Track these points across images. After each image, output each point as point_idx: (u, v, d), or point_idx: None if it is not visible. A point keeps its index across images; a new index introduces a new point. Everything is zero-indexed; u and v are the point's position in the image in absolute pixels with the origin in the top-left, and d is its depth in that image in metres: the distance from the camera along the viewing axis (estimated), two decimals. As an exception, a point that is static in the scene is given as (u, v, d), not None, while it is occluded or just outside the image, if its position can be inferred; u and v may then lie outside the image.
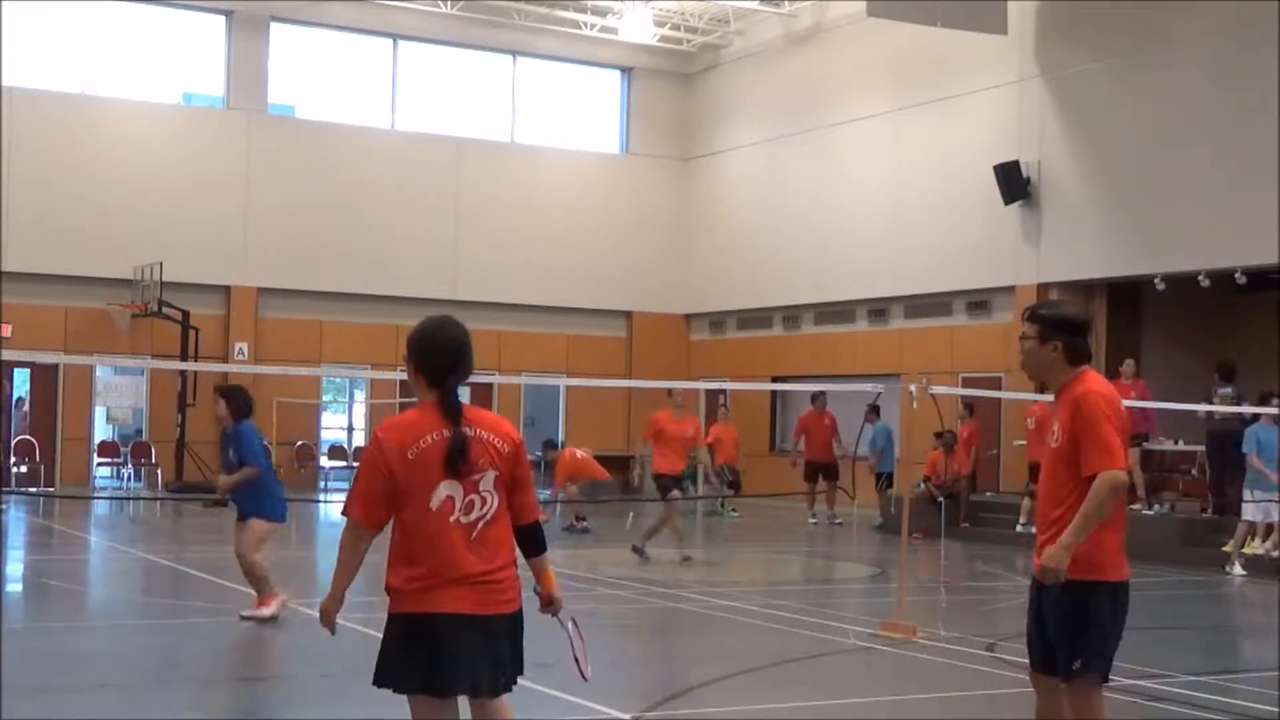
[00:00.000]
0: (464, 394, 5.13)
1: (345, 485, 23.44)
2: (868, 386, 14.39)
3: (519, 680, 4.99)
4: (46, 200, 24.98)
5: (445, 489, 4.71)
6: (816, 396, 23.02)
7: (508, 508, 4.87)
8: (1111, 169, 21.68)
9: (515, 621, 4.91)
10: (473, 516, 4.75)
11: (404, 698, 4.88)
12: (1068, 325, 5.74)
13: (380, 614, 4.99)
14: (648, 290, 30.18)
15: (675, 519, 16.29)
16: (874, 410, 21.43)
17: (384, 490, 4.71)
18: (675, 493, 16.25)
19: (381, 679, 4.79)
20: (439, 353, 4.90)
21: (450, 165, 28.58)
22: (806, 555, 18.80)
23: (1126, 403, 17.62)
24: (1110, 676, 5.68)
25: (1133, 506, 18.57)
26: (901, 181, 25.19)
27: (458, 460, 4.70)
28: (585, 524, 20.76)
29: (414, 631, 4.73)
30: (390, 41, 28.50)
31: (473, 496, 4.75)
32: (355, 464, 25.09)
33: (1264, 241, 19.10)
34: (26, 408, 25.45)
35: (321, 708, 5.85)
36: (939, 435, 19.74)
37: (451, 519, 4.71)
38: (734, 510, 24.71)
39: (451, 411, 4.79)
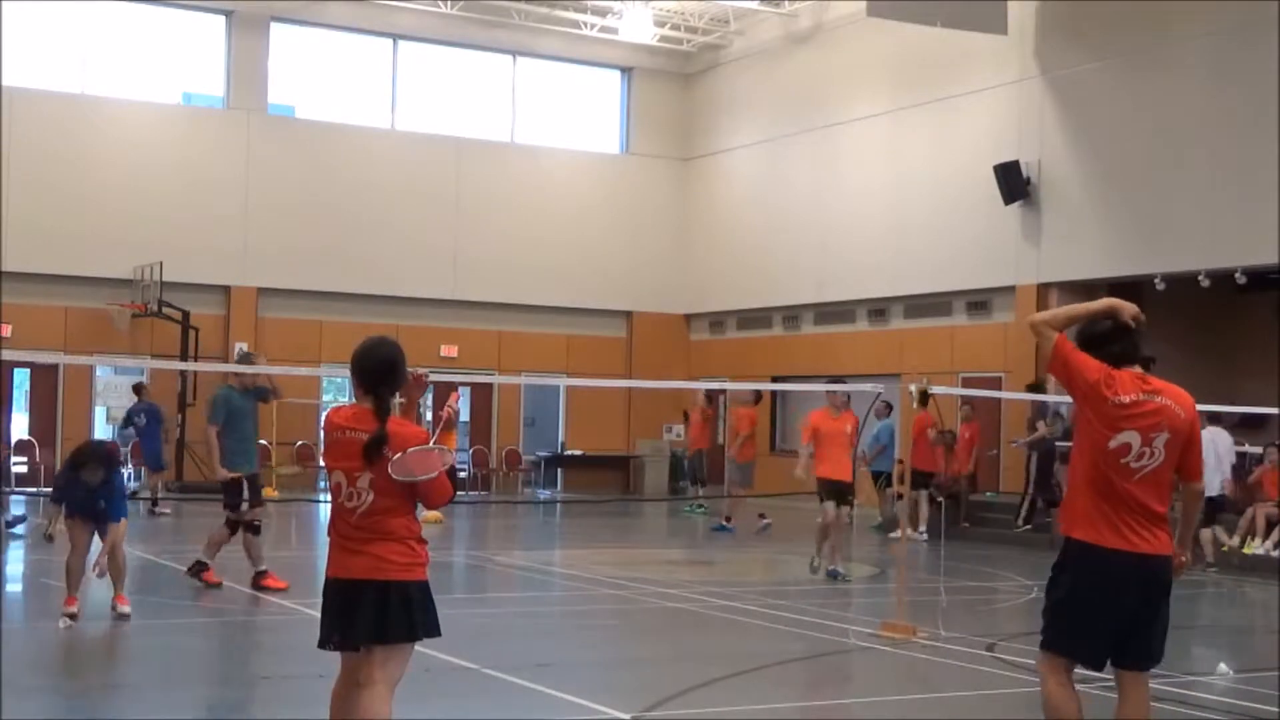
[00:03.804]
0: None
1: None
2: (868, 386, 14.39)
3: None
4: (46, 200, 24.98)
5: (336, 476, 5.66)
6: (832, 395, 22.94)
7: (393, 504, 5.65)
8: (1111, 169, 21.69)
9: (394, 589, 5.59)
10: (351, 505, 5.63)
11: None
12: (1089, 341, 5.96)
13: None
14: (648, 290, 30.18)
15: (835, 530, 14.85)
16: (886, 406, 21.49)
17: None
18: (829, 505, 14.66)
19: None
20: (367, 367, 5.75)
21: (450, 165, 28.58)
22: (807, 555, 18.76)
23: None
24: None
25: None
26: (901, 181, 25.20)
27: (373, 452, 5.53)
28: (731, 523, 20.70)
29: (325, 592, 5.76)
30: (390, 41, 28.51)
31: (352, 489, 5.62)
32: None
33: (1264, 241, 19.11)
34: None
35: (321, 708, 5.86)
36: (940, 434, 19.74)
37: (338, 500, 5.69)
38: (700, 506, 24.82)
39: (381, 414, 5.63)
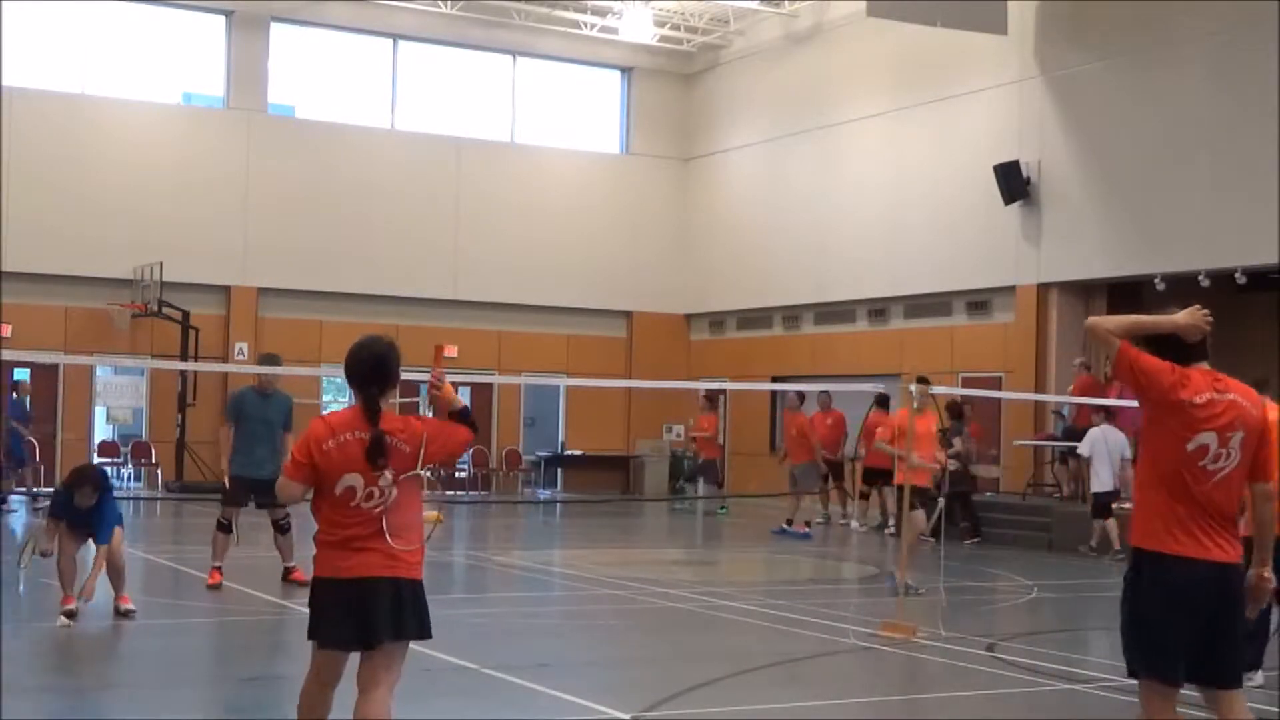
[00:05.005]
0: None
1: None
2: (868, 386, 14.38)
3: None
4: (46, 200, 24.97)
5: (349, 479, 5.59)
6: (819, 396, 22.98)
7: (409, 494, 5.71)
8: (1111, 169, 21.69)
9: (405, 586, 5.65)
10: (369, 505, 5.61)
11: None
12: (1144, 341, 5.78)
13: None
14: (648, 290, 30.18)
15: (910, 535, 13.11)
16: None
17: (308, 463, 5.66)
18: (919, 514, 13.22)
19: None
20: (358, 366, 5.73)
21: (450, 165, 28.58)
22: (806, 555, 18.79)
23: (1117, 401, 17.53)
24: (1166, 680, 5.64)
25: (1125, 506, 18.65)
26: (901, 181, 25.19)
27: (376, 456, 5.56)
28: (808, 530, 20.46)
29: (321, 592, 5.70)
30: (390, 41, 28.50)
31: (372, 489, 5.60)
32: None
33: (1264, 241, 19.10)
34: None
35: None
36: (941, 432, 19.75)
37: (352, 504, 5.60)
38: (723, 507, 24.93)
39: (371, 416, 5.63)
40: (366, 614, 5.59)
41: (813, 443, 21.10)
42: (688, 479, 26.20)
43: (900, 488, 12.85)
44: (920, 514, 13.31)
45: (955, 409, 20.10)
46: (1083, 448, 18.00)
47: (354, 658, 5.82)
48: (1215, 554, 5.54)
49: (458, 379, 24.68)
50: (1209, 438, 5.56)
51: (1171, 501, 5.56)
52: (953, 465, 20.27)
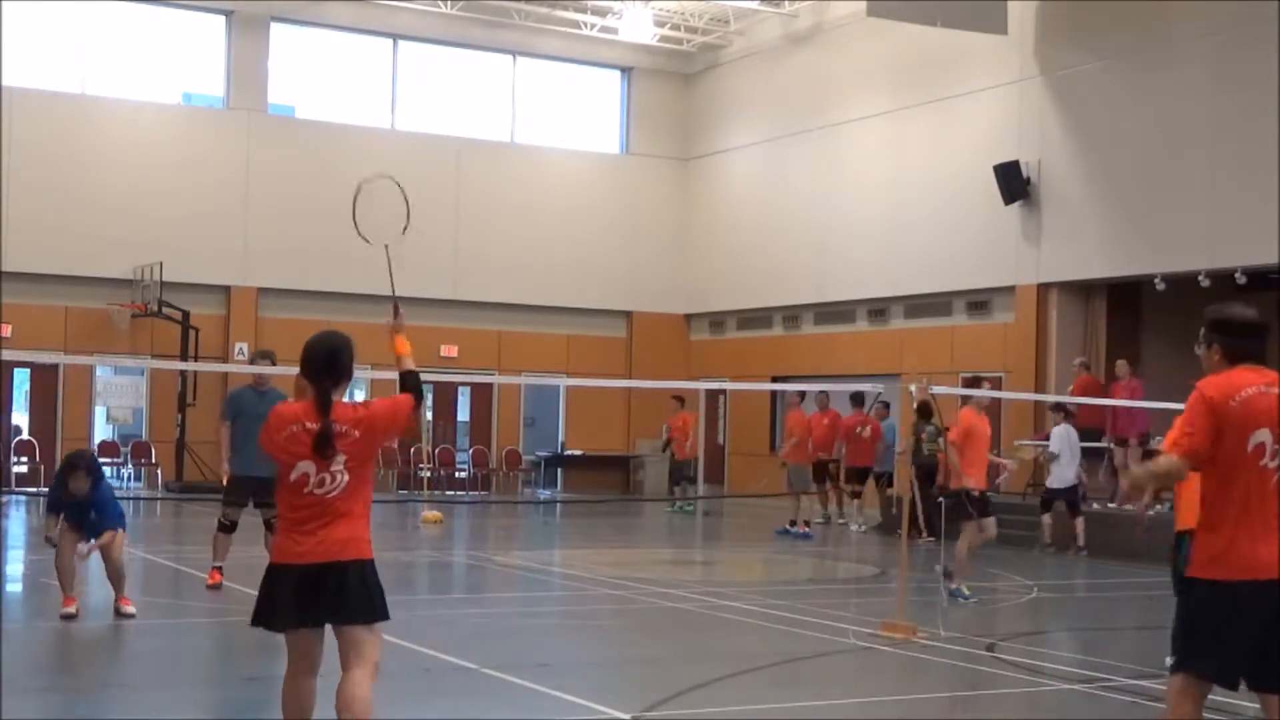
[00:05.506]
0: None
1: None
2: (867, 386, 14.36)
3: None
4: (46, 200, 24.97)
5: (302, 466, 5.78)
6: (817, 396, 22.98)
7: (362, 477, 5.89)
8: (1111, 169, 21.69)
9: (352, 568, 5.79)
10: (323, 490, 5.78)
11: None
12: (1223, 325, 5.70)
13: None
14: (648, 290, 30.18)
15: (970, 542, 13.46)
16: (884, 406, 21.57)
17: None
18: (991, 520, 13.53)
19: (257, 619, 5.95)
20: (312, 359, 5.93)
21: (450, 165, 28.57)
22: (806, 555, 18.79)
23: (1120, 402, 17.47)
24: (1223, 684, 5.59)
25: (1127, 507, 18.68)
26: (901, 181, 25.20)
27: (324, 446, 5.74)
28: (808, 530, 20.47)
29: (273, 578, 5.84)
30: (390, 41, 28.50)
31: (324, 474, 5.77)
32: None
33: (1264, 241, 19.11)
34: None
35: (323, 709, 5.86)
36: (937, 431, 19.75)
37: (305, 490, 5.78)
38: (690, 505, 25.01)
39: (322, 408, 5.82)
40: (314, 596, 5.74)
41: (796, 440, 21.13)
42: (675, 482, 26.27)
43: (957, 493, 13.26)
44: (991, 520, 13.57)
45: (925, 409, 20.03)
46: (1053, 444, 18.17)
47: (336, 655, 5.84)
48: (1276, 568, 5.40)
49: (458, 379, 24.57)
50: (1264, 435, 5.46)
51: (1227, 510, 5.45)
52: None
